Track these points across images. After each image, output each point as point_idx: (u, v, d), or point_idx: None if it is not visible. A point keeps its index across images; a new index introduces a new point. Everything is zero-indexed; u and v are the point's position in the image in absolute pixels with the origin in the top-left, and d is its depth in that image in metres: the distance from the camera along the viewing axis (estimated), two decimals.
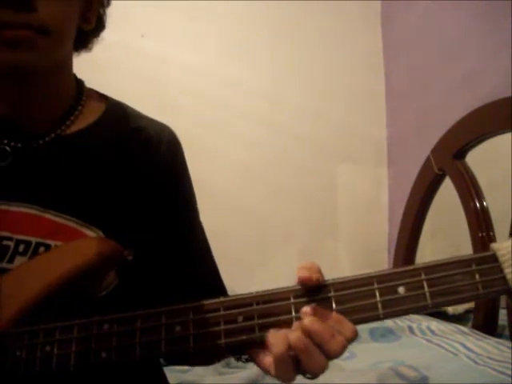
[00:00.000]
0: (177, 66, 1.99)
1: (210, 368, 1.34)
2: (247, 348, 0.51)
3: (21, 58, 0.58)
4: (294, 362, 0.46)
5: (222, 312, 0.49)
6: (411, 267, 0.47)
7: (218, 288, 0.76)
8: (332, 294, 0.48)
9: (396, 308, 0.46)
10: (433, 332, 1.45)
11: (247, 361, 0.54)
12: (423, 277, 0.46)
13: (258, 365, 0.50)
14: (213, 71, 2.02)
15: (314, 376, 0.48)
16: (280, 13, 2.10)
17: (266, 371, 0.48)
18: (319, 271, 0.49)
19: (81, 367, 0.52)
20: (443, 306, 0.46)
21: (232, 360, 1.35)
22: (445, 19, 1.77)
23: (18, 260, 0.62)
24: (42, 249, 0.62)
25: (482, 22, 1.57)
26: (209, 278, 0.75)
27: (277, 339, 0.47)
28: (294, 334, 0.46)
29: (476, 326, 1.48)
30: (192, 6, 1.99)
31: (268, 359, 0.48)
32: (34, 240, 0.62)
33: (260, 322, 0.48)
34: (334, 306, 0.47)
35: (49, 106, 0.67)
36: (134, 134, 0.71)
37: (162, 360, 0.79)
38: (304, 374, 0.48)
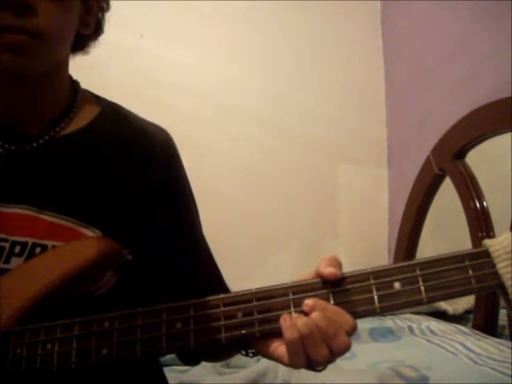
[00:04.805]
0: (176, 66, 1.99)
1: (210, 368, 1.34)
2: (251, 343, 0.52)
3: (17, 62, 0.59)
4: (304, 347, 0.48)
5: (222, 308, 0.50)
6: (407, 263, 0.48)
7: (221, 288, 0.76)
8: (329, 289, 0.49)
9: (392, 302, 0.47)
10: (433, 332, 1.45)
11: (254, 355, 0.55)
12: (418, 272, 0.48)
13: (271, 355, 0.51)
14: (212, 71, 2.03)
15: (318, 365, 0.49)
16: (280, 13, 2.11)
17: (279, 360, 0.50)
18: (341, 266, 0.51)
19: (82, 364, 0.52)
20: (438, 300, 0.47)
21: (232, 360, 1.35)
22: (445, 19, 1.78)
23: (15, 261, 0.62)
24: (38, 249, 0.62)
25: (481, 21, 1.58)
26: (209, 280, 0.75)
27: (289, 324, 0.48)
28: (301, 320, 0.48)
29: (476, 326, 1.48)
30: (191, 7, 2.00)
31: (281, 349, 0.49)
32: (30, 241, 0.63)
33: (260, 317, 0.49)
34: (331, 301, 0.48)
35: (43, 108, 0.68)
36: (129, 135, 0.72)
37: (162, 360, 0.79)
38: (308, 363, 0.49)
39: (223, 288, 0.76)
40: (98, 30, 0.73)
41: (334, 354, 0.47)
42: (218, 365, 1.36)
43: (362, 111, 2.17)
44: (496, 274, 0.46)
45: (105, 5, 0.72)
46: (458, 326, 1.48)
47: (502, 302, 1.51)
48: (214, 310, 0.50)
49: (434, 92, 1.84)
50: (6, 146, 0.65)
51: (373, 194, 2.15)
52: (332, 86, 2.14)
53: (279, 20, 2.12)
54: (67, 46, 0.67)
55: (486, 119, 1.50)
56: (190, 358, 0.73)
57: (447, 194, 1.70)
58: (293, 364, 0.49)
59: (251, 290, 0.51)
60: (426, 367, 1.12)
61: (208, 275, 0.75)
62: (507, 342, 1.27)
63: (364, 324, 1.51)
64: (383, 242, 2.12)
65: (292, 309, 0.49)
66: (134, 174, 0.70)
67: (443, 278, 0.47)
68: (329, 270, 0.49)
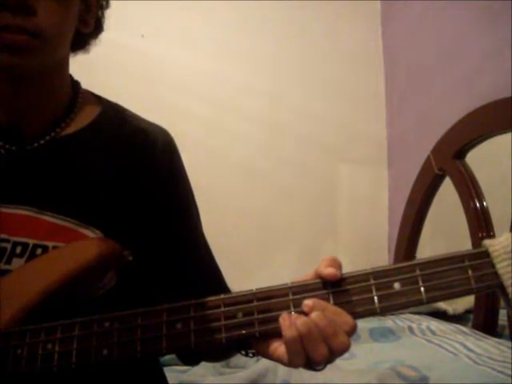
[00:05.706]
0: (177, 66, 2.00)
1: (210, 368, 1.34)
2: (251, 343, 0.52)
3: (17, 62, 0.58)
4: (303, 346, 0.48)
5: (222, 308, 0.50)
6: (406, 263, 0.48)
7: (221, 288, 0.76)
8: (329, 290, 0.49)
9: (392, 302, 0.47)
10: (433, 332, 1.45)
11: (254, 355, 0.55)
12: (418, 272, 0.48)
13: (271, 356, 0.51)
14: (213, 71, 2.03)
15: (317, 365, 0.49)
16: (280, 13, 2.11)
17: (278, 360, 0.50)
18: (341, 267, 0.51)
19: (82, 364, 0.52)
20: (438, 300, 0.47)
21: (232, 360, 1.35)
22: (445, 19, 1.78)
23: (16, 262, 0.62)
24: (39, 250, 0.63)
25: (481, 21, 1.58)
26: (210, 279, 0.75)
27: (288, 323, 0.48)
28: (300, 320, 0.48)
29: (476, 326, 1.48)
30: (192, 6, 2.00)
31: (281, 349, 0.49)
32: (31, 242, 0.63)
33: (260, 317, 0.49)
34: (331, 301, 0.48)
35: (44, 108, 0.67)
36: (130, 136, 0.72)
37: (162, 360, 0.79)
38: (308, 363, 0.49)
39: (224, 288, 0.76)
40: (98, 28, 0.72)
41: (334, 353, 0.47)
42: (218, 365, 1.36)
43: (362, 111, 2.17)
44: (495, 274, 0.46)
45: (104, 2, 0.72)
46: (458, 326, 1.48)
47: (502, 302, 1.52)
48: (215, 311, 0.50)
49: (433, 92, 1.84)
50: (7, 146, 0.65)
51: (373, 194, 2.15)
52: (332, 86, 2.14)
53: (280, 20, 2.12)
54: (67, 45, 0.67)
55: (485, 119, 1.50)
56: (190, 358, 0.73)
57: (447, 194, 1.70)
58: (292, 363, 0.49)
59: (251, 290, 0.51)
60: (426, 367, 1.12)
61: (209, 275, 0.75)
62: (507, 342, 1.27)
63: (364, 324, 1.52)
64: (383, 242, 2.12)
65: (292, 309, 0.49)
66: (135, 175, 0.70)
67: (443, 278, 0.47)
68: (328, 271, 0.49)
